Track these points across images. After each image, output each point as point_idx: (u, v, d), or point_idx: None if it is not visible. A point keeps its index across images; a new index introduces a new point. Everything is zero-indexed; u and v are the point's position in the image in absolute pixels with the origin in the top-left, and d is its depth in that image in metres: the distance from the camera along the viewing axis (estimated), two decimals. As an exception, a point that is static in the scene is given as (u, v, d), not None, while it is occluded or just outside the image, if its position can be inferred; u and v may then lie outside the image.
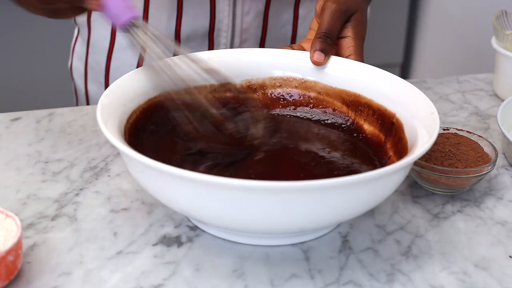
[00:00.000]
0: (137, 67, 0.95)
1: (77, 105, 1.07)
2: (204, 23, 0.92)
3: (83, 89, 1.03)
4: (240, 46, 0.94)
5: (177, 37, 0.93)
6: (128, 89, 0.67)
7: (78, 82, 1.03)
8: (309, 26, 0.90)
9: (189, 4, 0.91)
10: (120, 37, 0.96)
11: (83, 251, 0.61)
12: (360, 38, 0.77)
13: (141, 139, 0.67)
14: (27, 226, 0.64)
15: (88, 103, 1.03)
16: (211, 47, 0.94)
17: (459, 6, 1.77)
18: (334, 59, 0.75)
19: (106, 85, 0.98)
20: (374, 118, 0.71)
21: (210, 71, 0.70)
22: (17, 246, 0.56)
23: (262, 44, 0.96)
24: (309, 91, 0.75)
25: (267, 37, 0.95)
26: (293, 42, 0.97)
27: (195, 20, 0.92)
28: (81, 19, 0.99)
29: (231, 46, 0.94)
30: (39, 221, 0.65)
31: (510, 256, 0.63)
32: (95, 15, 0.97)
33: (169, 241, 0.63)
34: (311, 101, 0.75)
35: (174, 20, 0.92)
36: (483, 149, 0.72)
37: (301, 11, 0.96)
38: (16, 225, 0.57)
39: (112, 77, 0.98)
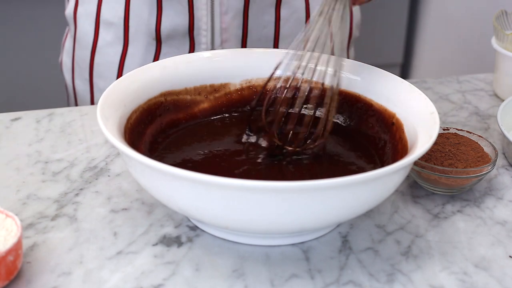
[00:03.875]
0: (120, 64, 0.95)
1: (67, 100, 1.07)
2: (183, 21, 0.91)
3: (71, 84, 1.03)
4: (221, 45, 0.93)
5: (158, 35, 0.92)
6: (128, 89, 0.67)
7: (67, 77, 1.03)
8: (292, 27, 0.88)
9: (168, 1, 0.90)
10: (103, 33, 0.95)
11: (83, 251, 0.61)
12: None
13: (142, 139, 0.67)
14: (27, 226, 0.64)
15: (75, 99, 1.03)
16: (192, 46, 0.93)
17: (459, 6, 1.77)
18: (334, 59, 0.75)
19: (91, 81, 0.98)
20: (374, 118, 0.71)
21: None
22: (17, 246, 0.56)
23: (244, 45, 0.95)
24: (309, 91, 0.75)
25: (249, 37, 0.94)
26: (275, 43, 0.96)
27: (174, 18, 0.91)
28: (69, 13, 0.99)
29: (212, 46, 0.93)
30: (39, 221, 0.65)
31: (510, 256, 0.63)
32: (81, 10, 0.96)
33: (169, 241, 0.63)
34: (311, 101, 0.75)
35: (155, 17, 0.91)
36: (483, 149, 0.72)
37: (283, 12, 0.95)
38: (16, 225, 0.57)
39: (96, 73, 0.97)
